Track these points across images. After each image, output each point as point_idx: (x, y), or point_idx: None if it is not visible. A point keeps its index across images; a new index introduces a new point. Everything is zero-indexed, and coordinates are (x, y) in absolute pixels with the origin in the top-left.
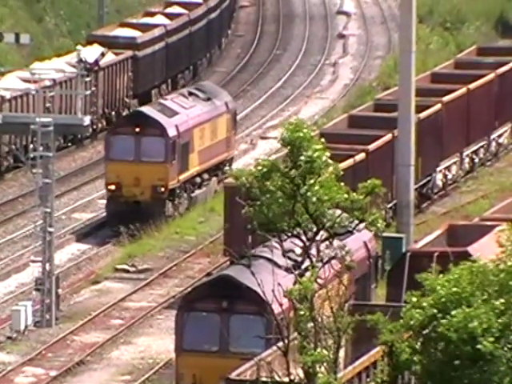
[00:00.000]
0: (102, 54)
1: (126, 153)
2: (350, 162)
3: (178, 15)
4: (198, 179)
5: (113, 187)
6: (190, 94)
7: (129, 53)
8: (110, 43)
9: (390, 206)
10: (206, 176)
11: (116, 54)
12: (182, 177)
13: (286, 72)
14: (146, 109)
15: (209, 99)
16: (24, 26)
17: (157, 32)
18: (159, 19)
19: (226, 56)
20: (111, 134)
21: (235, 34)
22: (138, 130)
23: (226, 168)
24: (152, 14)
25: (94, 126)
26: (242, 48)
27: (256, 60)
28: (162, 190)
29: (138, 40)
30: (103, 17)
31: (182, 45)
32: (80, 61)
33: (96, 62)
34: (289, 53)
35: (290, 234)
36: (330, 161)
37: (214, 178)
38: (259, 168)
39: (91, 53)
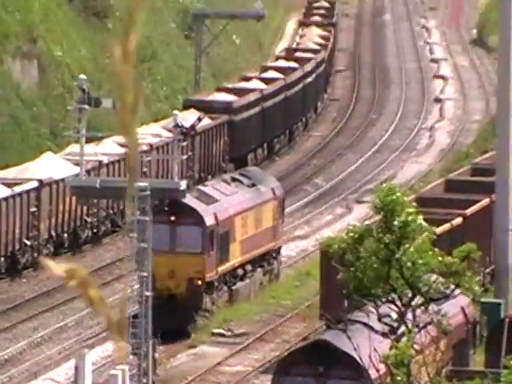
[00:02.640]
0: (199, 119)
1: (161, 243)
2: (446, 226)
3: (274, 80)
4: (239, 271)
5: None
6: (233, 179)
7: (225, 117)
8: (206, 108)
9: (488, 271)
10: (249, 267)
11: (212, 118)
12: (221, 268)
13: (381, 136)
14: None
15: (253, 185)
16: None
17: (253, 96)
18: (255, 84)
19: (322, 120)
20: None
21: (331, 98)
22: (173, 218)
23: None
24: (248, 79)
25: None
26: (338, 112)
27: (352, 124)
28: (199, 282)
29: (234, 104)
30: (199, 82)
31: (278, 109)
32: (176, 125)
33: (192, 127)
34: (385, 117)
35: (385, 300)
36: (425, 223)
37: (259, 270)
38: (351, 234)
39: (188, 117)
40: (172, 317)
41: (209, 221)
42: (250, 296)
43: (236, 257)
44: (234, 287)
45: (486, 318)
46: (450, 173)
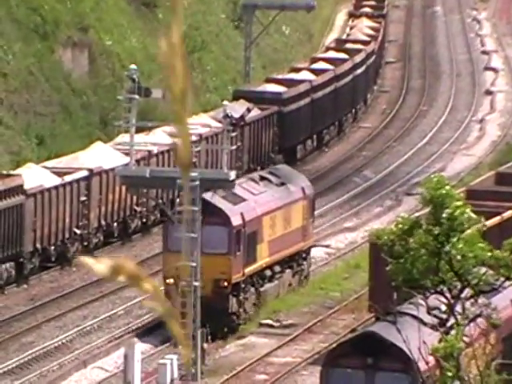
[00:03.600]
0: (248, 110)
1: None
2: (496, 219)
3: (324, 71)
4: (268, 272)
5: (171, 281)
6: (262, 178)
7: (274, 108)
8: (255, 99)
9: None
10: (277, 268)
11: (262, 109)
12: (248, 269)
13: (431, 128)
14: (208, 195)
15: (282, 184)
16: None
17: (302, 88)
18: (305, 75)
19: (372, 112)
20: (169, 222)
21: (381, 90)
22: None
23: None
24: (298, 70)
25: None
26: (388, 104)
27: (402, 116)
28: (225, 284)
29: (284, 95)
30: (249, 72)
31: (328, 100)
32: (226, 116)
33: (242, 118)
34: (435, 109)
35: (434, 291)
36: (473, 215)
37: (288, 271)
38: (400, 226)
39: (237, 108)
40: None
41: (235, 221)
42: (279, 297)
43: (264, 257)
44: (261, 289)
45: None
46: (501, 166)
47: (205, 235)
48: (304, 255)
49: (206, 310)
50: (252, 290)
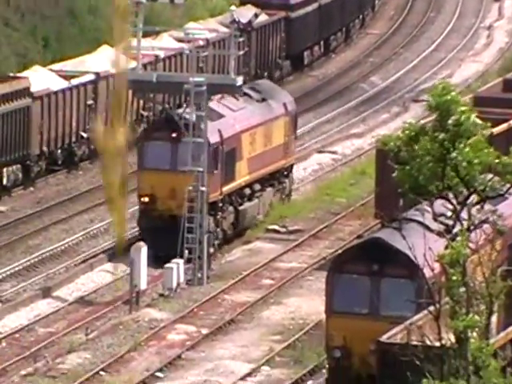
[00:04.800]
0: (256, 15)
1: (161, 161)
2: (504, 126)
3: None
4: (247, 190)
5: (146, 199)
6: (242, 94)
7: (282, 14)
8: (263, 4)
9: None
10: (257, 187)
11: (269, 15)
12: (227, 188)
13: (439, 35)
14: (183, 110)
15: (263, 100)
16: None
17: None
18: None
19: (379, 18)
20: (144, 139)
21: None
22: (174, 135)
23: None
24: None
25: None
26: (396, 10)
27: (409, 22)
28: None
29: (292, 1)
30: None
31: (335, 6)
32: (233, 21)
33: (249, 23)
34: (443, 15)
35: (440, 197)
36: (479, 121)
37: (269, 189)
38: (406, 132)
39: (245, 13)
40: (173, 239)
41: (213, 138)
42: (259, 217)
43: (243, 176)
44: (240, 208)
45: None
46: (508, 72)
47: (180, 153)
48: (286, 173)
49: (182, 230)
50: (230, 209)
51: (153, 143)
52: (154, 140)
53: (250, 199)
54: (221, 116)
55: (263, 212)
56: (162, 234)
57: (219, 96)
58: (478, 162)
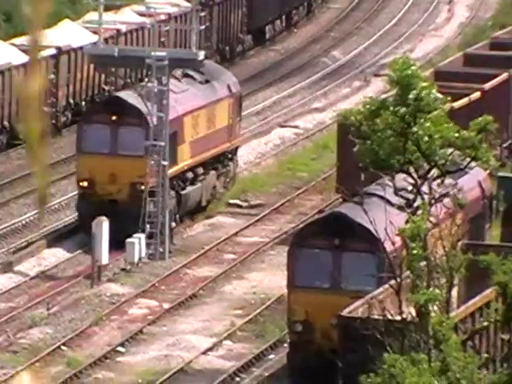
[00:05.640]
0: None
1: (101, 145)
2: (465, 100)
3: None
4: (189, 174)
5: (85, 184)
6: (185, 75)
7: None
8: None
9: (505, 145)
10: (200, 170)
11: None
12: (168, 172)
13: (400, 10)
14: (124, 94)
15: (207, 82)
16: None
17: None
18: None
19: None
20: (83, 122)
21: None
22: (114, 118)
23: None
24: None
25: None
26: None
27: None
28: (142, 187)
29: None
30: None
31: None
32: None
33: None
34: None
35: (400, 171)
36: (439, 95)
37: (213, 172)
38: (367, 107)
39: None
40: (113, 223)
41: (153, 121)
42: (202, 201)
43: (185, 159)
44: (182, 192)
45: (503, 192)
46: (469, 47)
47: (120, 136)
48: (230, 156)
49: (122, 215)
50: (172, 193)
51: (92, 126)
52: (94, 123)
53: (192, 183)
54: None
55: (206, 196)
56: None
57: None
58: (438, 137)
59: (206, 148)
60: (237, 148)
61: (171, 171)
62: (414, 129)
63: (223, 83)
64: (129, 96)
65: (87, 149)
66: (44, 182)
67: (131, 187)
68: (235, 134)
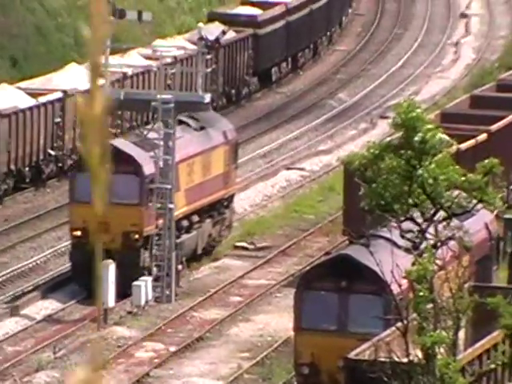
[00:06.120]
0: (223, 32)
1: None
2: (471, 142)
3: None
4: (184, 222)
5: (78, 233)
6: (180, 122)
7: (249, 31)
8: (230, 21)
9: None
10: (196, 218)
11: (237, 31)
12: (162, 221)
13: (406, 51)
14: (118, 141)
15: (202, 129)
16: (146, 3)
17: (278, 10)
18: None
19: (347, 34)
20: (76, 170)
21: (356, 13)
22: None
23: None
24: None
25: (215, 104)
26: (363, 27)
27: (377, 39)
28: (136, 237)
29: (259, 18)
30: None
31: (303, 23)
32: (201, 38)
33: (217, 40)
34: (410, 32)
35: (407, 214)
36: (445, 137)
37: (208, 220)
38: (371, 151)
39: (212, 30)
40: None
41: (148, 169)
42: (197, 249)
43: (180, 207)
44: (177, 240)
45: (510, 234)
46: (475, 89)
47: (114, 184)
48: (226, 203)
49: (115, 265)
50: (167, 242)
51: (84, 174)
52: (86, 171)
53: (187, 231)
54: (156, 146)
55: (202, 244)
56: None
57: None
58: (444, 179)
59: (201, 196)
60: (233, 195)
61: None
62: (419, 171)
63: (219, 130)
64: (122, 143)
65: (80, 198)
66: (103, 202)
67: (124, 236)
68: (231, 181)
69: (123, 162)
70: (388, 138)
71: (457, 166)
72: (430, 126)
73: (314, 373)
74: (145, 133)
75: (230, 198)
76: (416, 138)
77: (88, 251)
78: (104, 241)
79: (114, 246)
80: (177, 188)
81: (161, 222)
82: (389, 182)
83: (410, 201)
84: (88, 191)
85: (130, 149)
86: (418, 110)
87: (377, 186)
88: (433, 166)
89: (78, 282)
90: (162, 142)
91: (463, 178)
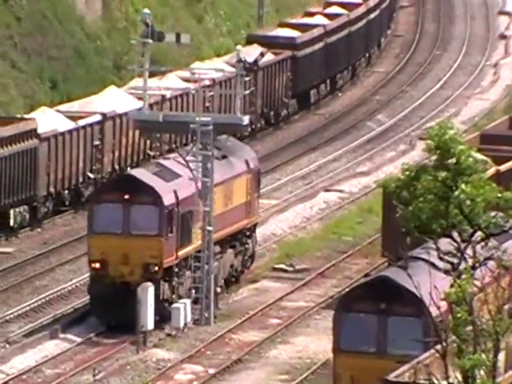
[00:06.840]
0: (262, 54)
1: (113, 224)
2: (511, 163)
3: (338, 15)
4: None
5: (97, 265)
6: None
7: (288, 53)
8: (269, 43)
9: None
10: (217, 249)
11: (275, 54)
12: (183, 252)
13: (445, 73)
14: (137, 172)
15: (224, 157)
16: (184, 25)
17: (316, 32)
18: (318, 19)
19: (385, 56)
20: (95, 201)
21: (395, 34)
22: (127, 196)
23: None
24: (311, 14)
25: (253, 126)
26: (402, 48)
27: (415, 60)
28: (156, 268)
29: (298, 40)
30: (263, 17)
31: (341, 45)
32: (239, 61)
33: (255, 62)
34: (449, 53)
35: (444, 235)
36: (480, 156)
37: (230, 251)
38: (406, 173)
39: (251, 53)
40: (125, 307)
41: (168, 200)
42: (219, 280)
43: (200, 238)
44: (198, 271)
45: None
46: None
47: (133, 215)
48: (248, 233)
49: (134, 297)
50: (188, 273)
51: (103, 205)
52: (105, 202)
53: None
54: (177, 176)
55: (224, 275)
56: (114, 302)
57: (176, 154)
58: (480, 199)
59: (222, 226)
60: (255, 225)
61: (186, 251)
62: (456, 193)
63: (241, 158)
64: (141, 174)
65: (98, 229)
66: None
67: (144, 268)
68: (254, 210)
69: (143, 193)
70: (426, 160)
71: (493, 185)
72: (463, 147)
73: None
74: (184, 155)
75: (253, 228)
76: (451, 160)
77: (107, 283)
78: (123, 273)
79: (133, 279)
80: (197, 219)
81: (181, 252)
82: (425, 203)
83: (448, 222)
84: (106, 222)
85: (149, 179)
86: (451, 132)
87: (413, 207)
88: (469, 187)
89: (96, 315)
90: (182, 172)
91: (499, 195)
